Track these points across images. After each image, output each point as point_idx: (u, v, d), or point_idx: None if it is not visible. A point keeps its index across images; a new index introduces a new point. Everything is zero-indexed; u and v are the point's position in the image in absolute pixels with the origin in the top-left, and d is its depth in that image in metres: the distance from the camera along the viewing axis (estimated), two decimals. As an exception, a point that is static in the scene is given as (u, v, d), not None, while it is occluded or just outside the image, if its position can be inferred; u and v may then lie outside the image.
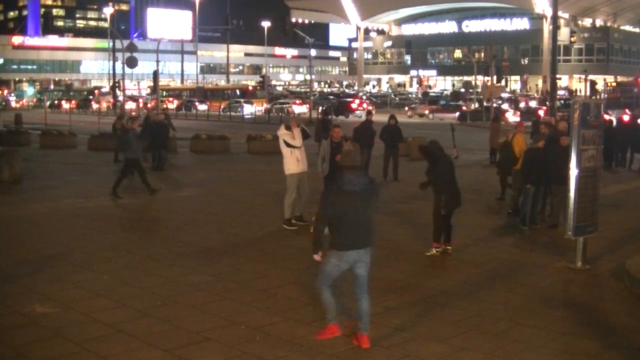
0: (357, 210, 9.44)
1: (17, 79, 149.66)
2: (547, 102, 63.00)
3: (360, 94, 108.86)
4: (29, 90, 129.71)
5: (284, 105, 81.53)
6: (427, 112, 73.62)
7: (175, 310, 10.92)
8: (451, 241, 14.91)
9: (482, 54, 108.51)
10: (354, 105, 76.51)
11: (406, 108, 77.94)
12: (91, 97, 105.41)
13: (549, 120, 27.27)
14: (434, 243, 14.80)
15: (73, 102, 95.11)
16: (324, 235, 9.63)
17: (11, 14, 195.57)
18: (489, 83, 65.31)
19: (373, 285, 12.26)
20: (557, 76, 59.64)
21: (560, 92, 69.21)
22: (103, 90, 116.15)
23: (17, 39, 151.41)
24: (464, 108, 72.51)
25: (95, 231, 17.02)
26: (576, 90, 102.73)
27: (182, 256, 14.44)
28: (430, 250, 14.72)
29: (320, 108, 63.08)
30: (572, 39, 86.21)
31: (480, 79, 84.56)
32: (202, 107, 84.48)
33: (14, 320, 10.49)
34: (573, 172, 13.41)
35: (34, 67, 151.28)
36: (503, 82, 75.98)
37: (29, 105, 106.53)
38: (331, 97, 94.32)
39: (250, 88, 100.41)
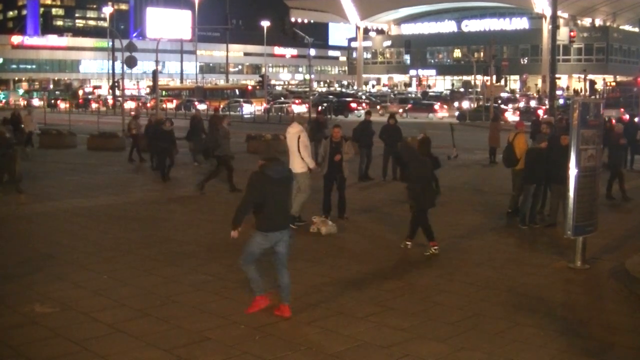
0: (280, 195, 10.51)
1: (16, 78, 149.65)
2: (546, 102, 63.14)
3: (360, 93, 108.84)
4: (19, 91, 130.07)
5: (284, 105, 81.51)
6: (400, 110, 73.57)
7: (175, 310, 10.92)
8: (413, 238, 15.15)
9: (482, 54, 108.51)
10: (353, 105, 76.46)
11: (378, 107, 77.84)
12: (60, 94, 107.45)
13: (550, 120, 27.27)
14: (430, 242, 14.83)
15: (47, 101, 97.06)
16: (244, 216, 10.67)
17: (10, 13, 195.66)
18: (489, 83, 65.28)
19: (372, 285, 12.30)
20: (557, 76, 59.71)
21: (558, 92, 68.98)
22: (87, 89, 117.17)
23: (16, 39, 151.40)
24: (436, 108, 72.80)
25: (95, 231, 17.02)
26: (581, 89, 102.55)
27: (181, 256, 14.44)
28: (429, 250, 14.73)
29: (320, 107, 63.11)
30: (572, 33, 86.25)
31: (479, 79, 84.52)
32: (201, 107, 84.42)
33: (13, 319, 10.48)
34: (572, 171, 13.42)
35: (34, 66, 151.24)
36: (502, 82, 75.96)
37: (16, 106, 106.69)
38: (330, 96, 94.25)
39: (249, 88, 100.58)
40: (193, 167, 29.04)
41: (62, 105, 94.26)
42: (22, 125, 35.42)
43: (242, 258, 10.83)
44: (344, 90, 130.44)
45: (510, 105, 72.39)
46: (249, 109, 79.73)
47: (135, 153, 31.62)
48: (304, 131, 17.52)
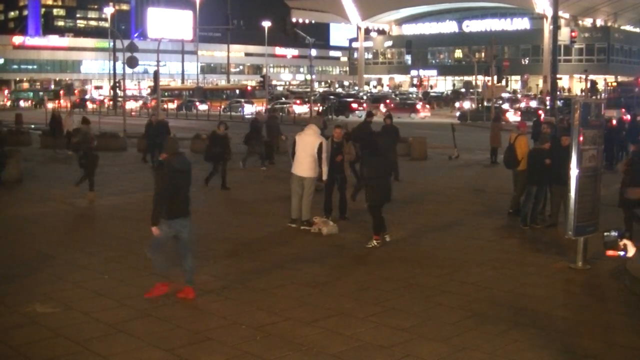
0: (182, 186, 11.42)
1: (17, 79, 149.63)
2: (547, 103, 63.09)
3: (361, 94, 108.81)
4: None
5: (285, 106, 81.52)
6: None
7: (176, 310, 10.92)
8: (386, 231, 15.71)
9: (483, 54, 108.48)
10: (354, 105, 76.50)
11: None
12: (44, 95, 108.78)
13: (551, 120, 27.30)
14: (374, 236, 15.36)
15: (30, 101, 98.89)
16: (162, 210, 11.26)
17: (12, 13, 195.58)
18: (490, 83, 65.24)
19: (372, 286, 12.31)
20: (558, 76, 59.66)
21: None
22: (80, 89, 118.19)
23: (17, 39, 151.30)
24: (418, 108, 73.12)
25: (95, 231, 17.04)
26: (581, 90, 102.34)
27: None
28: (371, 243, 15.24)
29: (321, 108, 63.15)
30: (573, 34, 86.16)
31: (480, 79, 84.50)
32: (202, 107, 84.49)
33: (14, 320, 10.49)
34: (574, 172, 13.43)
35: (35, 67, 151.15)
36: (503, 82, 75.92)
37: (3, 106, 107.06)
38: (332, 97, 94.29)
39: (249, 88, 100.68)
40: (261, 171, 28.43)
41: (50, 105, 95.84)
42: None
43: (149, 244, 11.67)
44: (347, 91, 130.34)
45: (513, 105, 72.43)
46: (250, 109, 79.71)
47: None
48: (324, 139, 17.45)
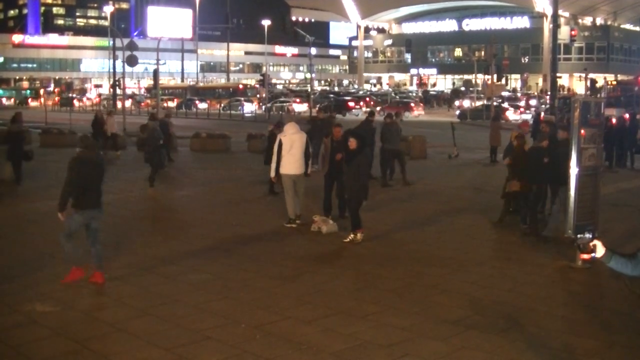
0: (93, 178, 12.19)
1: (17, 77, 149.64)
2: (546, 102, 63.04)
3: (361, 92, 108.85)
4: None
5: (284, 104, 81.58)
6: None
7: (176, 309, 10.93)
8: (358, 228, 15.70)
9: (483, 53, 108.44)
10: (351, 104, 76.63)
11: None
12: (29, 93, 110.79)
13: (551, 119, 27.28)
14: (359, 230, 15.58)
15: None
16: (68, 199, 12.05)
17: (11, 12, 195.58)
18: (489, 82, 65.23)
19: (371, 285, 12.31)
20: (558, 75, 59.57)
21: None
22: (48, 89, 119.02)
23: (17, 38, 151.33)
24: (412, 106, 73.44)
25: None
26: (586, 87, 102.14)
27: (182, 255, 14.45)
28: (349, 237, 15.55)
29: (317, 106, 63.16)
30: (573, 32, 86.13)
31: (480, 78, 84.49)
32: (202, 106, 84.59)
33: (14, 319, 10.49)
34: (573, 170, 13.43)
35: (34, 65, 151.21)
36: (503, 81, 75.90)
37: None
38: (331, 95, 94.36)
39: (240, 87, 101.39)
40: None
41: (33, 104, 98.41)
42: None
43: (63, 233, 12.25)
44: (346, 89, 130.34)
45: (513, 104, 72.54)
46: (250, 108, 79.87)
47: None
48: (305, 135, 17.89)
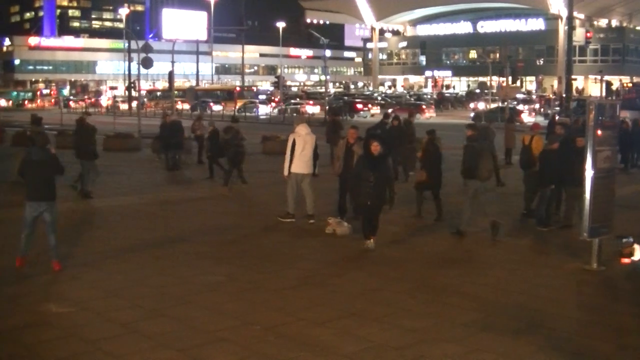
0: (38, 173, 13.11)
1: (32, 79, 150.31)
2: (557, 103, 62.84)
3: (375, 94, 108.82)
4: None
5: (297, 106, 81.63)
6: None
7: (189, 310, 10.95)
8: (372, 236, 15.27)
9: (497, 55, 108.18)
10: (359, 106, 76.59)
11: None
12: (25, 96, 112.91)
13: (565, 121, 27.16)
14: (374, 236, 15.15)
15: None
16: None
17: (27, 14, 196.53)
18: (504, 84, 65.14)
19: (384, 287, 12.30)
20: (573, 77, 59.44)
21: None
22: (44, 90, 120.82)
23: (33, 40, 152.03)
24: (424, 108, 73.52)
25: (109, 231, 17.06)
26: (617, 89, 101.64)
27: (194, 256, 14.48)
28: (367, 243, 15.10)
29: (327, 107, 63.27)
30: (588, 34, 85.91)
31: (495, 80, 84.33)
32: (216, 108, 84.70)
33: (28, 319, 10.54)
34: (588, 173, 13.39)
35: (50, 67, 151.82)
36: (518, 83, 75.80)
37: None
38: (346, 97, 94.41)
39: (237, 89, 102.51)
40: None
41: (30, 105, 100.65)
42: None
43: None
44: (360, 91, 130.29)
45: (526, 106, 72.47)
46: (265, 110, 80.00)
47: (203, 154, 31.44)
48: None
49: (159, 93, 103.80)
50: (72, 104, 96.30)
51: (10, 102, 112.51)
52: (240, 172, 24.42)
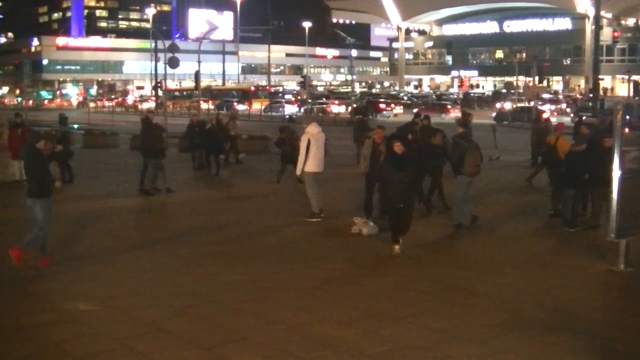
0: (28, 169, 13.39)
1: (60, 79, 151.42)
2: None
3: (401, 94, 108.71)
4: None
5: (323, 105, 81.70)
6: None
7: (212, 309, 10.98)
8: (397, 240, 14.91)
9: (524, 55, 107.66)
10: (382, 106, 76.43)
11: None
12: None
13: (592, 122, 26.97)
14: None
15: None
16: None
17: (55, 15, 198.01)
18: (530, 84, 64.85)
19: (408, 286, 12.28)
20: (600, 77, 59.06)
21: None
22: (64, 91, 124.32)
23: (61, 40, 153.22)
24: (449, 107, 73.47)
25: (134, 230, 17.16)
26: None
27: (218, 256, 14.54)
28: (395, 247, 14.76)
29: (349, 107, 63.24)
30: (615, 33, 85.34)
31: (521, 80, 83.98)
32: (241, 107, 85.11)
33: (56, 316, 10.64)
34: (616, 173, 13.30)
35: (77, 67, 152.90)
36: (544, 83, 75.41)
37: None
38: (371, 97, 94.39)
39: (252, 89, 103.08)
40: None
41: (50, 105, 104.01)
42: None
43: None
44: (389, 91, 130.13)
45: (552, 106, 72.11)
46: (291, 110, 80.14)
47: (232, 155, 31.62)
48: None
49: (176, 93, 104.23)
50: (91, 104, 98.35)
51: (31, 101, 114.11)
52: (283, 171, 24.74)
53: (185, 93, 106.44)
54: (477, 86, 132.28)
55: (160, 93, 64.04)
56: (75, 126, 52.85)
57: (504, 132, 47.04)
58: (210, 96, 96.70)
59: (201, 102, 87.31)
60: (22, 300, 11.47)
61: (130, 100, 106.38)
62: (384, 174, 14.92)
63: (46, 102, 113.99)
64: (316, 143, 18.13)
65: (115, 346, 9.43)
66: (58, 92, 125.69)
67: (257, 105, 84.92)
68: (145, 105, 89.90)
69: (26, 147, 13.61)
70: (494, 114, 69.80)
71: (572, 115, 61.27)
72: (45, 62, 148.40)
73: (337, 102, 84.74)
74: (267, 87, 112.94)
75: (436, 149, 19.51)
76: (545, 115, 37.21)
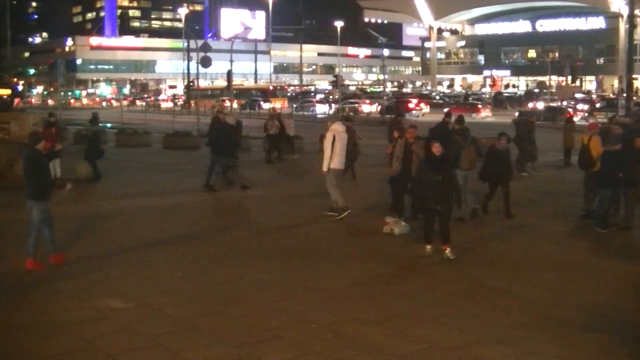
0: (24, 173, 13.19)
1: (94, 78, 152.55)
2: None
3: (433, 94, 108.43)
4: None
5: (355, 105, 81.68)
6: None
7: (243, 308, 11.03)
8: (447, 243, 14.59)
9: (556, 54, 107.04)
10: (410, 105, 76.09)
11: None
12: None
13: (625, 121, 26.76)
14: (449, 245, 14.54)
15: None
16: None
17: (89, 15, 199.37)
18: (563, 83, 64.45)
19: (438, 287, 12.27)
20: (633, 76, 58.57)
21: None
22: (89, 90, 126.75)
23: (94, 40, 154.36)
24: (479, 107, 72.86)
25: (164, 229, 17.20)
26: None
27: (248, 255, 14.61)
28: (446, 252, 14.41)
29: (379, 107, 63.22)
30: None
31: (554, 79, 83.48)
32: (266, 106, 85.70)
33: (88, 313, 10.73)
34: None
35: (111, 67, 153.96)
36: (577, 83, 74.91)
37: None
38: (395, 97, 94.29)
39: (270, 88, 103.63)
40: (521, 177, 25.70)
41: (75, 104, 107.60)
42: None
43: None
44: (421, 91, 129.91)
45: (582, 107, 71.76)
46: (322, 109, 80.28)
47: (275, 153, 31.88)
48: None
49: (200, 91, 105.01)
50: (113, 102, 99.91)
51: (54, 100, 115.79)
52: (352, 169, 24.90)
53: (210, 92, 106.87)
54: (515, 86, 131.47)
55: (178, 92, 64.75)
56: (108, 125, 53.29)
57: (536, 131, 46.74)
58: (230, 95, 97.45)
59: (226, 101, 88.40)
60: (54, 297, 11.57)
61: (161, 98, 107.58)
62: (420, 175, 14.73)
63: (72, 101, 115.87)
64: (340, 141, 18.40)
65: (146, 343, 9.51)
66: (84, 92, 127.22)
67: (278, 105, 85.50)
68: (164, 105, 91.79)
69: (27, 150, 13.47)
70: (515, 114, 69.58)
71: (586, 115, 60.68)
72: (79, 61, 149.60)
73: (368, 101, 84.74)
74: (285, 87, 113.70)
75: (500, 155, 18.45)
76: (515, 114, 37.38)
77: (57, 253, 13.56)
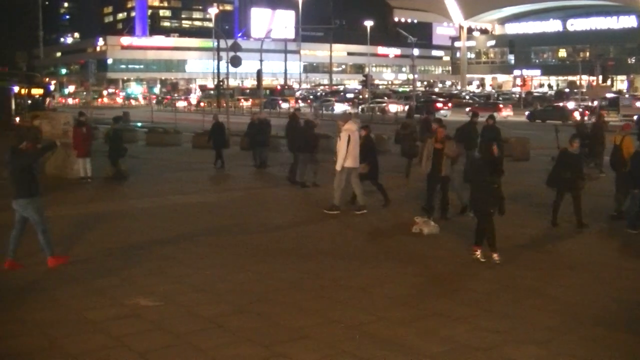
0: (9, 172, 13.07)
1: (125, 78, 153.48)
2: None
3: (463, 93, 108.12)
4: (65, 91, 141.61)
5: (382, 104, 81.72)
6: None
7: (271, 307, 11.06)
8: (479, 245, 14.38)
9: (587, 53, 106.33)
10: (439, 105, 75.93)
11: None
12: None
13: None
14: (474, 246, 14.40)
15: None
16: None
17: (120, 15, 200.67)
18: (594, 83, 64.02)
19: (467, 287, 12.23)
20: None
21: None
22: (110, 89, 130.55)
23: (125, 40, 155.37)
24: (501, 107, 72.36)
25: (191, 228, 17.24)
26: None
27: (275, 253, 14.64)
28: (476, 254, 14.24)
29: (406, 107, 63.14)
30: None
31: (585, 79, 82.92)
32: (285, 105, 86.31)
33: (118, 311, 10.80)
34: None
35: (141, 66, 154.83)
36: (608, 82, 74.33)
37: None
38: (433, 96, 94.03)
39: (278, 88, 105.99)
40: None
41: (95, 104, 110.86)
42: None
43: None
44: (451, 90, 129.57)
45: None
46: (341, 108, 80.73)
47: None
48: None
49: (212, 91, 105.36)
50: (132, 101, 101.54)
51: (77, 99, 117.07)
52: (408, 167, 25.66)
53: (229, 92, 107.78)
54: (550, 86, 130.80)
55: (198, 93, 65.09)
56: (139, 124, 53.61)
57: (564, 131, 46.55)
58: (241, 94, 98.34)
59: (242, 100, 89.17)
60: (85, 295, 11.64)
61: (193, 99, 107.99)
62: (480, 177, 14.43)
63: (99, 100, 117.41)
64: (355, 140, 18.62)
65: (175, 342, 9.55)
66: (105, 92, 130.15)
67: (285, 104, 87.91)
68: (180, 104, 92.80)
69: (10, 150, 13.17)
70: (526, 113, 69.61)
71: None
72: (110, 61, 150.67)
73: (396, 101, 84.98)
74: (292, 87, 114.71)
75: (574, 159, 17.30)
76: (576, 115, 36.99)
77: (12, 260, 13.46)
